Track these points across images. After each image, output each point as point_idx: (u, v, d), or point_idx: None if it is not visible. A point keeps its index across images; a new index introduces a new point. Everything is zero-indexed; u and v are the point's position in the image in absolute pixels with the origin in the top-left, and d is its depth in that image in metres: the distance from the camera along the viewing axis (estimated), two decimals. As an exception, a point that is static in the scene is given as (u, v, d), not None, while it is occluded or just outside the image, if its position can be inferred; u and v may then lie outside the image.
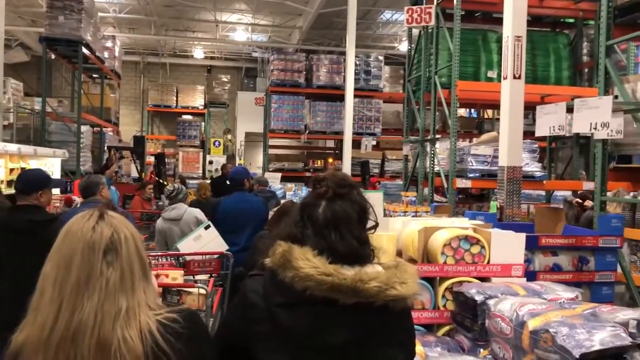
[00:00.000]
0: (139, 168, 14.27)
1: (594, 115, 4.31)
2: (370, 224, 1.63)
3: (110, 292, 1.28)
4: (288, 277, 1.46)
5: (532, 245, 4.09)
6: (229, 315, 1.66)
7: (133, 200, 8.97)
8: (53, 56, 12.49)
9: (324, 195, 1.58)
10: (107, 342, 1.24)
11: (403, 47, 17.49)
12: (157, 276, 2.97)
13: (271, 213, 7.64)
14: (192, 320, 1.38)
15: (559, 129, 4.78)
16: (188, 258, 4.08)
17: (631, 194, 5.84)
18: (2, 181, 7.59)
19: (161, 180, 11.86)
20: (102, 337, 1.24)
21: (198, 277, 3.66)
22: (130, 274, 1.32)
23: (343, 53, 13.31)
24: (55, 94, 17.41)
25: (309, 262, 1.45)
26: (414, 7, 8.19)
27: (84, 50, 11.30)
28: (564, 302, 2.84)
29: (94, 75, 14.72)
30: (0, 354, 1.31)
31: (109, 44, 14.39)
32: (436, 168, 7.97)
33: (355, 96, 12.79)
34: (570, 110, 5.19)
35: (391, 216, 4.98)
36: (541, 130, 5.02)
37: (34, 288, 1.32)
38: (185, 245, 4.39)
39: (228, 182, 6.41)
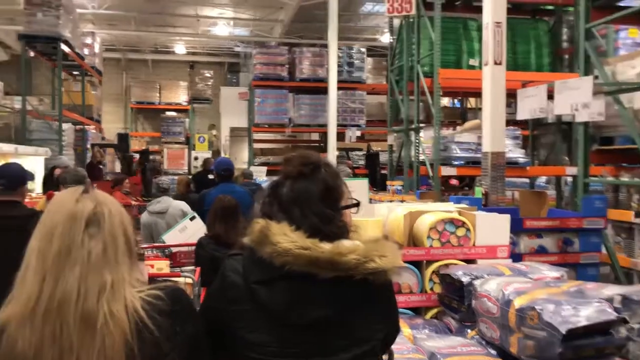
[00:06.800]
0: (123, 167, 14.10)
1: (575, 97, 4.35)
2: (348, 202, 1.62)
3: (93, 265, 1.26)
4: (266, 253, 1.45)
5: (517, 228, 4.13)
6: (209, 297, 1.64)
7: (113, 196, 8.91)
8: (32, 54, 12.31)
9: (289, 174, 1.58)
10: (92, 316, 1.22)
11: (385, 38, 17.45)
12: (143, 267, 2.94)
13: (256, 205, 7.63)
14: (176, 297, 1.36)
15: (540, 112, 4.81)
16: (174, 249, 4.07)
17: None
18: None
19: (147, 175, 11.73)
20: (86, 311, 1.22)
21: (185, 268, 3.64)
22: (113, 248, 1.30)
23: (325, 46, 13.22)
24: (36, 92, 17.16)
25: (286, 237, 1.45)
26: (395, -3, 8.18)
27: (63, 47, 11.14)
28: (549, 280, 2.87)
29: (75, 73, 14.54)
30: None
31: (88, 40, 14.20)
32: (421, 157, 7.99)
33: (339, 88, 12.73)
34: (551, 97, 5.22)
35: (377, 204, 4.98)
36: (523, 113, 5.05)
37: None
38: (171, 237, 4.38)
39: (213, 176, 6.27)
